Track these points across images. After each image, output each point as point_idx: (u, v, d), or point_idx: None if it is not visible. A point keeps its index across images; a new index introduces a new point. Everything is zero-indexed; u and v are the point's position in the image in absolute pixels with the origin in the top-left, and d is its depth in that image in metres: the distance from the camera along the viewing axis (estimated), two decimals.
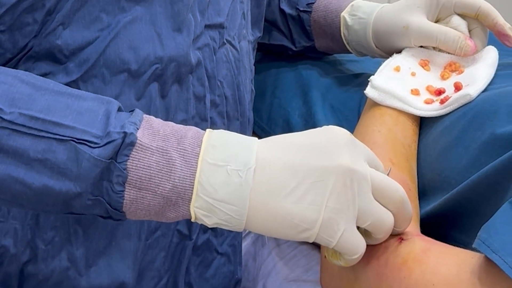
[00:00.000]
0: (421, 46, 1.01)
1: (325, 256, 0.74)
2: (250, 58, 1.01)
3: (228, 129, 0.92)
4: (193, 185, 0.65)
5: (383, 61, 1.00)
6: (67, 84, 0.75)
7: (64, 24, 0.75)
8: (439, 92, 0.93)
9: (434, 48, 1.00)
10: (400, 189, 0.69)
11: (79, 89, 0.75)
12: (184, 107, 0.85)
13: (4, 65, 0.75)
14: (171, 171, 0.65)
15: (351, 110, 1.05)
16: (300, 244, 1.10)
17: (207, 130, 0.68)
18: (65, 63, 0.76)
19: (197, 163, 0.65)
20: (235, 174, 0.64)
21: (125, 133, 0.64)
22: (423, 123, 0.93)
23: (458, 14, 1.01)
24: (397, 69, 0.97)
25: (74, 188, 0.64)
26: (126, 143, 0.64)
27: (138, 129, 0.65)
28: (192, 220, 0.67)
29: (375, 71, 0.97)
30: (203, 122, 0.88)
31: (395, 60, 0.99)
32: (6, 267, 0.81)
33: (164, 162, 0.65)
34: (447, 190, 0.81)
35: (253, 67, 1.04)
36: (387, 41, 1.04)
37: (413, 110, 0.91)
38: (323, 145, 0.66)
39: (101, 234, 0.82)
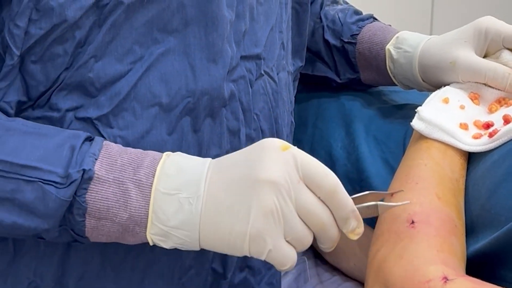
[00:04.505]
0: None
1: None
2: (289, 90, 0.99)
3: None
4: (148, 214, 0.70)
5: (430, 92, 0.97)
6: (97, 118, 0.76)
7: (96, 56, 0.75)
8: (488, 125, 0.91)
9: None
10: (331, 174, 0.71)
11: (110, 123, 0.77)
12: (218, 141, 0.84)
13: (37, 99, 0.76)
14: (127, 202, 0.70)
15: (395, 142, 1.03)
16: (344, 281, 1.08)
17: (164, 155, 0.73)
18: (96, 96, 0.76)
19: (150, 193, 0.70)
20: (186, 201, 0.69)
21: (83, 170, 0.69)
22: (471, 157, 0.91)
23: (508, 49, 0.98)
24: (446, 100, 0.94)
25: (42, 225, 0.69)
26: (85, 179, 0.69)
27: (97, 159, 0.70)
28: (150, 244, 0.72)
29: (420, 102, 0.95)
30: None
31: (444, 91, 0.97)
32: None
33: (121, 193, 0.70)
34: (497, 228, 0.78)
35: (293, 98, 1.02)
36: (434, 75, 1.02)
37: (462, 145, 0.89)
38: (254, 158, 0.70)
39: (133, 273, 0.81)
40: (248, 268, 0.92)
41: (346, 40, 1.14)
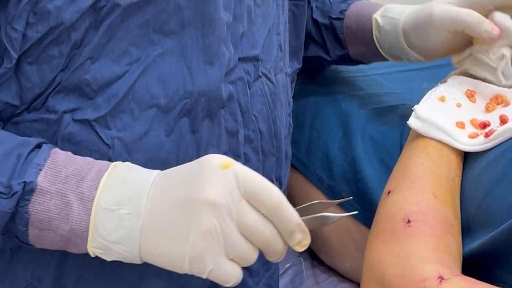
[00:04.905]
0: (466, 75, 0.98)
1: None
2: (287, 91, 0.99)
3: (264, 166, 0.91)
4: (89, 228, 0.70)
5: (426, 92, 0.97)
6: (95, 120, 0.76)
7: (92, 58, 0.75)
8: (484, 125, 0.91)
9: (480, 78, 0.97)
10: (274, 190, 0.70)
11: (108, 125, 0.76)
12: (216, 143, 0.84)
13: (33, 101, 0.76)
14: (69, 215, 0.70)
15: (392, 142, 1.03)
16: (340, 282, 1.08)
17: (111, 166, 0.72)
18: (94, 98, 0.76)
19: (92, 207, 0.70)
20: (126, 218, 0.69)
21: (25, 182, 0.69)
22: (466, 157, 0.91)
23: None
24: (442, 99, 0.94)
25: None
26: (27, 191, 0.69)
27: (41, 170, 0.70)
28: (92, 256, 0.72)
29: (417, 102, 0.94)
30: (237, 158, 0.86)
31: (440, 89, 0.96)
32: None
33: (63, 205, 0.70)
34: (492, 227, 0.78)
35: (291, 100, 1.02)
36: (415, 36, 1.02)
37: (458, 144, 0.89)
38: (194, 177, 0.70)
39: (131, 274, 0.81)
40: (246, 269, 0.91)
41: (334, 17, 1.14)
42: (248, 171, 0.70)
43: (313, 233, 1.08)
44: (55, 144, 0.76)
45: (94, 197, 0.70)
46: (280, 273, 1.07)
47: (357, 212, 0.79)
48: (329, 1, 1.16)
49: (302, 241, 0.72)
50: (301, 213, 0.72)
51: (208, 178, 0.69)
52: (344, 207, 1.01)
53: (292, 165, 1.08)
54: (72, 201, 0.69)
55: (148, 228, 0.69)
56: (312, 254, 1.14)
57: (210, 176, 0.69)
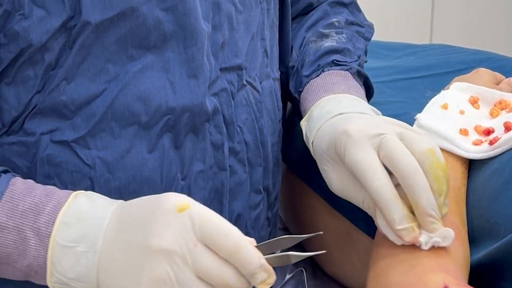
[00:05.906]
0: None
1: None
2: (276, 97, 0.95)
3: (251, 177, 0.90)
4: (47, 264, 0.70)
5: (429, 101, 0.96)
6: (75, 140, 0.76)
7: (67, 79, 0.74)
8: (488, 132, 0.89)
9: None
10: (232, 232, 0.68)
11: (88, 145, 0.76)
12: (201, 157, 0.83)
13: (11, 124, 0.76)
14: (26, 250, 0.69)
15: None
16: None
17: (71, 196, 0.71)
18: (72, 118, 0.76)
19: (49, 243, 0.69)
20: (83, 256, 0.68)
21: None
22: (471, 165, 0.89)
23: None
24: (445, 106, 0.93)
25: None
26: None
27: None
28: None
29: (419, 110, 0.93)
30: (222, 171, 0.86)
31: (443, 96, 0.95)
32: None
33: (20, 241, 0.69)
34: (496, 238, 0.77)
35: (281, 105, 0.98)
36: None
37: (462, 152, 0.88)
38: (148, 221, 0.68)
39: None
40: None
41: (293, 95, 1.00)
42: (205, 213, 0.68)
43: (315, 242, 1.08)
44: (35, 167, 0.76)
45: (50, 232, 0.69)
46: (281, 284, 1.06)
47: (325, 252, 0.76)
48: (301, 65, 1.00)
49: (266, 279, 0.69)
50: (267, 248, 0.71)
51: (161, 224, 0.67)
52: (349, 218, 1.00)
53: (293, 174, 1.08)
54: (29, 237, 0.69)
55: (103, 268, 0.68)
56: (313, 264, 1.14)
57: (163, 221, 0.67)
